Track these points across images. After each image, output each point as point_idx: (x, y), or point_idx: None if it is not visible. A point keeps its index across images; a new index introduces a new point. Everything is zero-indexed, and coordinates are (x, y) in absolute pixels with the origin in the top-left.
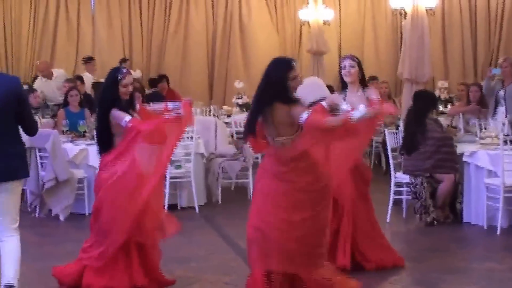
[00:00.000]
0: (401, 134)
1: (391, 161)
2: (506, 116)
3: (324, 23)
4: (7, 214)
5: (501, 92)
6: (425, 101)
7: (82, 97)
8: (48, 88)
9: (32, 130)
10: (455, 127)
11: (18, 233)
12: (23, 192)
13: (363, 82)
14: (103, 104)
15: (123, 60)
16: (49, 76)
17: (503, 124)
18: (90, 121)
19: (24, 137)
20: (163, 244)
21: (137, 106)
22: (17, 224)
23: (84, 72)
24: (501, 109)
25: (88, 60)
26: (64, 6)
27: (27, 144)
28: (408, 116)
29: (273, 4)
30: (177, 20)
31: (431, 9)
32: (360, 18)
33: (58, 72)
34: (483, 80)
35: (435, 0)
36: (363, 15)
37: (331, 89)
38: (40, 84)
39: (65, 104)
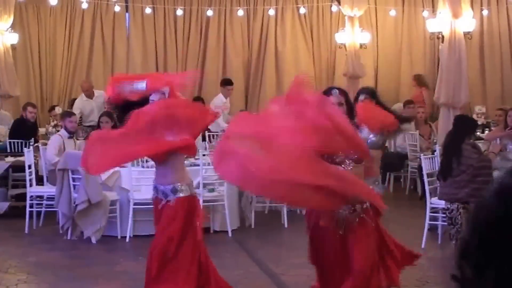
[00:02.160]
0: (437, 159)
1: (426, 187)
2: None
3: (361, 46)
4: None
5: None
6: (464, 126)
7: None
8: (88, 107)
9: None
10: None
11: None
12: (55, 214)
13: None
14: None
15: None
16: (91, 96)
17: None
18: None
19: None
20: None
21: None
22: None
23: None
24: None
25: (225, 83)
26: (99, 28)
27: (60, 166)
28: (446, 140)
29: (309, 27)
30: (216, 44)
31: (468, 33)
32: (397, 42)
33: (99, 93)
34: None
35: (473, 24)
36: (400, 39)
37: None
38: (80, 102)
39: (99, 127)
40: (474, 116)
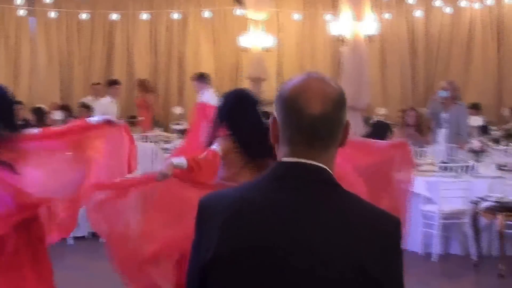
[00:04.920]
0: None
1: None
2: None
3: (265, 49)
4: None
5: (444, 115)
6: (378, 130)
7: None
8: None
9: None
10: None
11: None
12: None
13: None
14: None
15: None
16: None
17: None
18: None
19: None
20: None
21: None
22: None
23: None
24: (443, 132)
25: (112, 83)
26: (3, 31)
27: None
28: None
29: (212, 31)
30: (121, 48)
31: (371, 36)
32: (300, 45)
33: None
34: (426, 105)
35: (375, 27)
36: (303, 42)
37: (268, 115)
38: None
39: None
40: (375, 118)
